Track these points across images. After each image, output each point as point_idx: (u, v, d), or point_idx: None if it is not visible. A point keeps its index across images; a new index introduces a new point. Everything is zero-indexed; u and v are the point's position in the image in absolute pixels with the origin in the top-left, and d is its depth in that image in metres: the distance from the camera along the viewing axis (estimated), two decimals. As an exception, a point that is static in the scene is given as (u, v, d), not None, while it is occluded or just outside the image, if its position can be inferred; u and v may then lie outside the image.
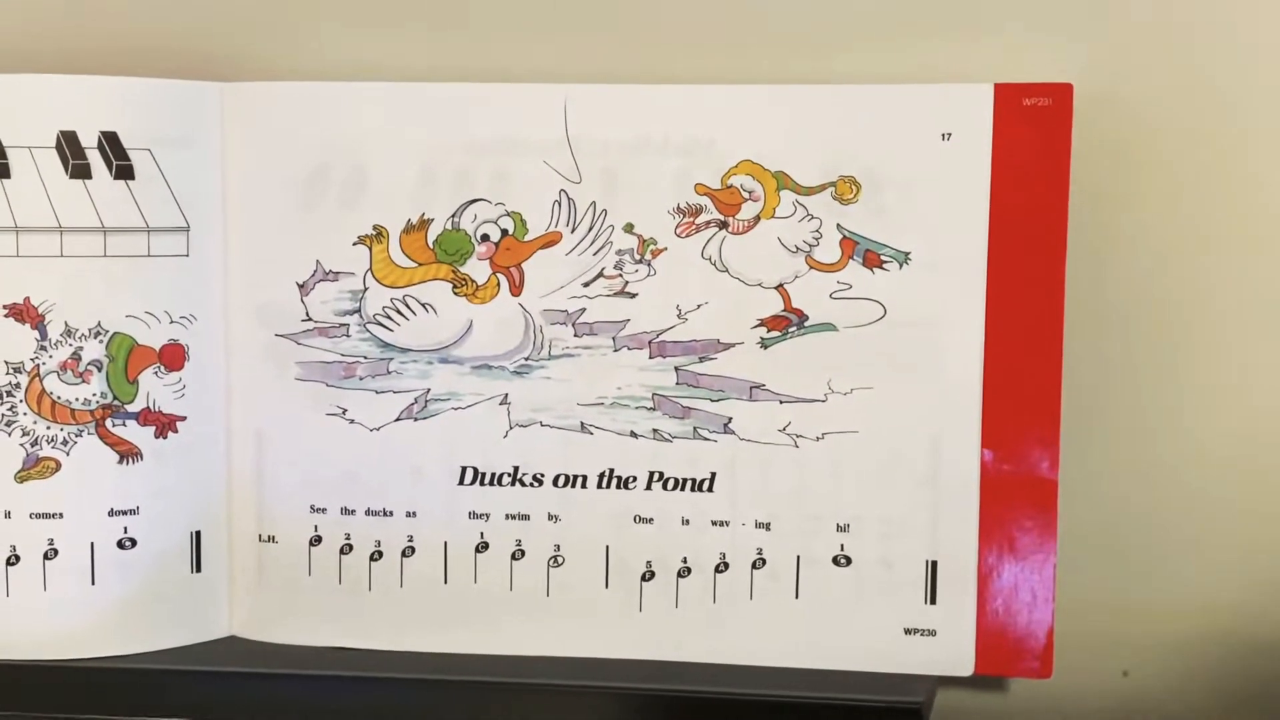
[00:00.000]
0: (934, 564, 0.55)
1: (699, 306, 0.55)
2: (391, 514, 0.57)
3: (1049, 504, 0.54)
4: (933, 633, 0.55)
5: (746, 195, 0.55)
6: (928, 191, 0.54)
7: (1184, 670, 0.61)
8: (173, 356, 0.56)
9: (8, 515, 0.55)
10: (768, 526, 0.56)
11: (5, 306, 0.54)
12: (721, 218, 0.55)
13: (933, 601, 0.55)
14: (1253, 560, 0.60)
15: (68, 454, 0.55)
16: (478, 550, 0.57)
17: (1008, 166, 0.53)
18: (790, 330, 0.55)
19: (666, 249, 0.55)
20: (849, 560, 0.56)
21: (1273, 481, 0.59)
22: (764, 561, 0.56)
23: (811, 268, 0.55)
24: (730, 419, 0.56)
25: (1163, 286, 0.58)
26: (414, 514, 0.57)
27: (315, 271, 0.56)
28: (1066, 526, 0.55)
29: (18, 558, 0.56)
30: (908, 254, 0.54)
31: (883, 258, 0.54)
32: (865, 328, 0.55)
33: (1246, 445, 0.59)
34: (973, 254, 0.54)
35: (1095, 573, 0.59)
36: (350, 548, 0.57)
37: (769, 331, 0.55)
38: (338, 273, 0.56)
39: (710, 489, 0.56)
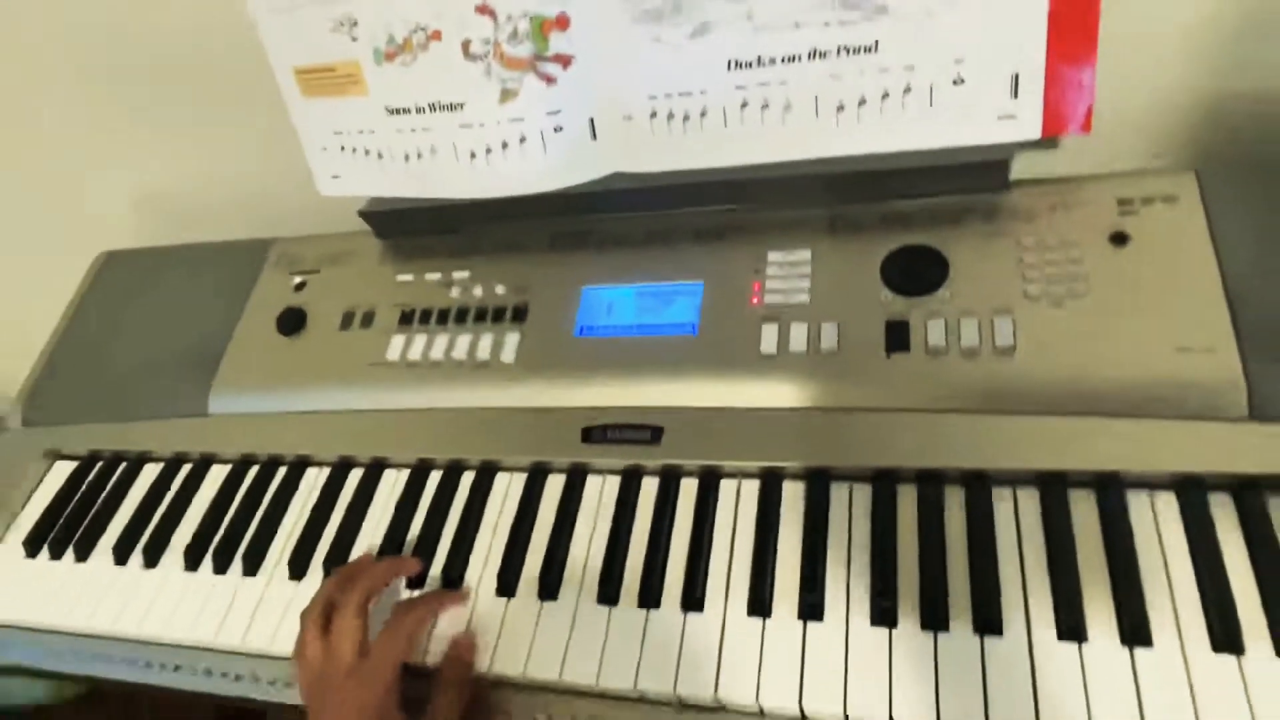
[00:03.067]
0: (1017, 75, 0.86)
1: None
2: (690, 94, 0.96)
3: (1090, 24, 0.83)
4: (1014, 116, 0.87)
5: None
6: None
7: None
8: (563, 22, 0.98)
9: (498, 123, 1.02)
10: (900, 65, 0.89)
11: (476, 7, 0.98)
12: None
13: (1015, 96, 0.87)
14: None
15: (520, 85, 1.00)
16: (742, 107, 0.95)
17: None
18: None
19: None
20: (963, 80, 0.87)
21: None
22: (911, 89, 0.89)
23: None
24: None
25: None
26: (704, 91, 0.96)
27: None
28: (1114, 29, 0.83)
29: (505, 144, 1.02)
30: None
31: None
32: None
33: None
34: None
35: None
36: (672, 115, 0.97)
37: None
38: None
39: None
